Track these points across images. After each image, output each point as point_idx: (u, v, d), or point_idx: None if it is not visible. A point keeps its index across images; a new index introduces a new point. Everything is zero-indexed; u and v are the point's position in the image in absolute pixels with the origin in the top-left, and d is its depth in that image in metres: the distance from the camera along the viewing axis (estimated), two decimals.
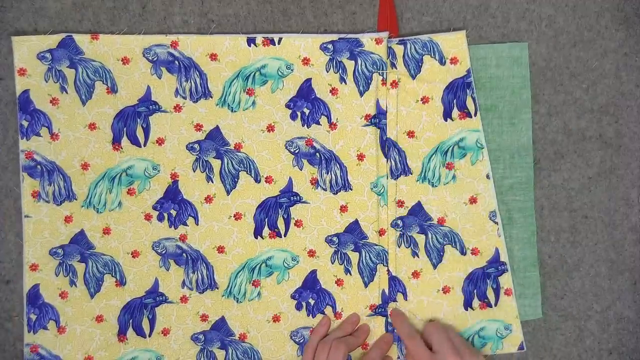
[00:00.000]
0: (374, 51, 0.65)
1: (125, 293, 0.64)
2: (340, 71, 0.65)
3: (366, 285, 0.66)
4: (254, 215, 0.65)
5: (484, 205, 0.66)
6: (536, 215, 0.67)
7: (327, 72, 0.65)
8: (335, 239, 0.65)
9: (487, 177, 0.66)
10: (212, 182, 0.65)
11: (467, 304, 0.66)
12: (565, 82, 0.68)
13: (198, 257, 0.65)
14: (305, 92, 0.65)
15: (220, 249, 0.65)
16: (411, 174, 0.66)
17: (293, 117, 0.65)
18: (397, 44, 0.65)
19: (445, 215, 0.66)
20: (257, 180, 0.65)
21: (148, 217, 0.64)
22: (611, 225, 0.69)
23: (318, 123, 0.65)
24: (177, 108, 0.64)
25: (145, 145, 0.64)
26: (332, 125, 0.65)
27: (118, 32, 0.64)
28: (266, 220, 0.65)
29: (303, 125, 0.65)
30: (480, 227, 0.66)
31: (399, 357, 0.65)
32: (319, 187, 0.65)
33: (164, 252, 0.64)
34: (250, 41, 0.65)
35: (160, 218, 0.65)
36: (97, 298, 0.64)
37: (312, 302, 0.65)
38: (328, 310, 0.66)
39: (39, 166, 0.63)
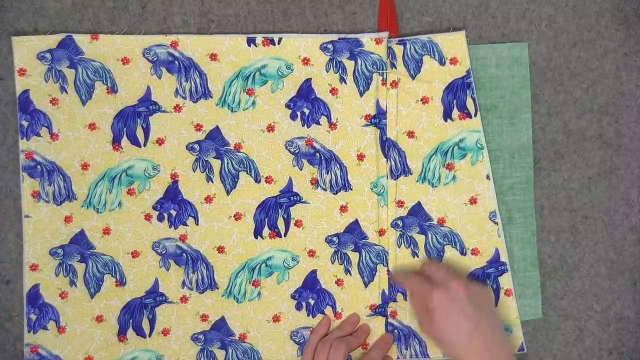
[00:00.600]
0: (373, 51, 0.65)
1: (125, 293, 0.64)
2: (340, 71, 0.65)
3: (366, 285, 0.66)
4: (254, 215, 0.65)
5: (484, 206, 0.66)
6: (536, 215, 0.67)
7: (327, 72, 0.65)
8: (335, 239, 0.65)
9: (487, 177, 0.66)
10: (212, 182, 0.65)
11: None
12: (565, 82, 0.68)
13: (198, 257, 0.65)
14: (305, 92, 0.65)
15: (220, 249, 0.65)
16: (411, 174, 0.66)
17: (293, 117, 0.65)
18: (397, 44, 0.65)
19: (445, 215, 0.66)
20: (257, 180, 0.65)
21: (148, 217, 0.64)
22: (611, 225, 0.69)
23: (318, 123, 0.65)
24: (177, 108, 0.64)
25: (145, 145, 0.64)
26: (332, 125, 0.65)
27: (118, 32, 0.64)
28: (266, 220, 0.65)
29: (303, 125, 0.65)
30: (480, 228, 0.66)
31: (398, 357, 0.66)
32: (319, 187, 0.65)
33: (164, 252, 0.64)
34: (250, 41, 0.65)
35: (160, 218, 0.65)
36: (97, 298, 0.64)
37: (312, 302, 0.65)
38: (328, 310, 0.66)
39: (39, 166, 0.63)
